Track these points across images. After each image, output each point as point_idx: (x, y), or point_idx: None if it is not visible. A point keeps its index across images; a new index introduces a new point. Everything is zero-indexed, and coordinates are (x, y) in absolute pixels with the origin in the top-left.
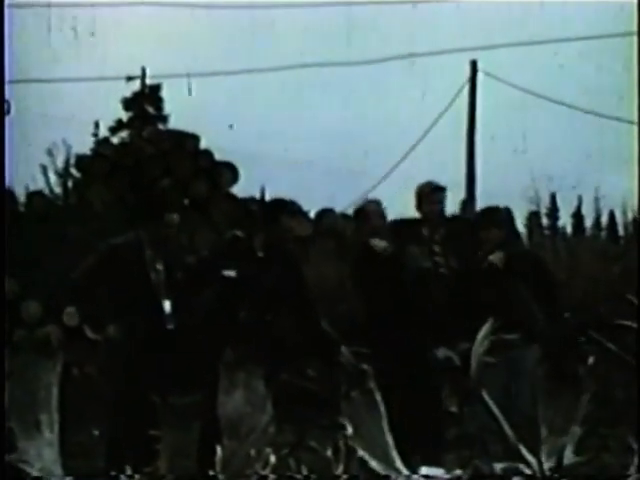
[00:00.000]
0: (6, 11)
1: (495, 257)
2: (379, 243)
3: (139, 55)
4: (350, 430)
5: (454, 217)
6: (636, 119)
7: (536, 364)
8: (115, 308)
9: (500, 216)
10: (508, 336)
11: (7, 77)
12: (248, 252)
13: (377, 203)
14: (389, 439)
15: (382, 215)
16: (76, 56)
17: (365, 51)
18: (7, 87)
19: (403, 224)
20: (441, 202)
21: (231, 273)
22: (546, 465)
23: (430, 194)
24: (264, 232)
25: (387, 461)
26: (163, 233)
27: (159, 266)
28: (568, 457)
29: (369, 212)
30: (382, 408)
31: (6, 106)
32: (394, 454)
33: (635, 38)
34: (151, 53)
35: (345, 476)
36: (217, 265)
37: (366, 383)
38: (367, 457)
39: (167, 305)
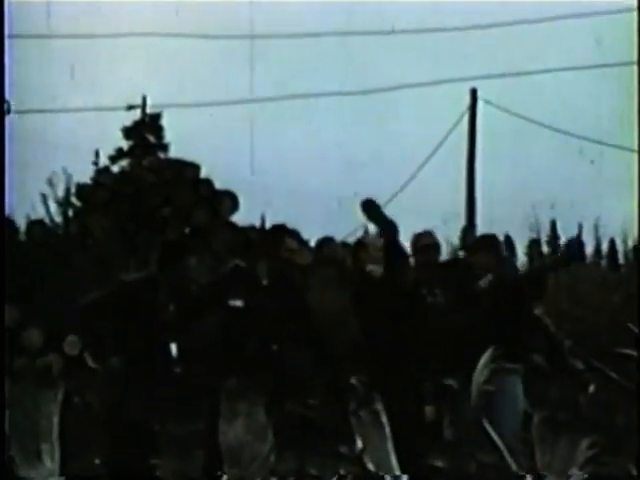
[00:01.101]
0: (6, 41)
1: (483, 281)
2: (376, 269)
3: (139, 84)
4: (360, 445)
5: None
6: (636, 146)
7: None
8: (119, 342)
9: (491, 242)
10: (509, 365)
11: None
12: (252, 281)
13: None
14: (394, 460)
15: (381, 248)
16: (76, 86)
17: (365, 80)
18: (7, 117)
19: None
20: (436, 253)
21: (237, 303)
22: None
23: (424, 249)
24: (268, 259)
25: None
26: (180, 277)
27: (171, 307)
28: None
29: (367, 244)
30: (387, 429)
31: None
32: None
33: (635, 67)
34: (151, 82)
35: None
36: (220, 294)
37: (373, 404)
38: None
39: (174, 348)
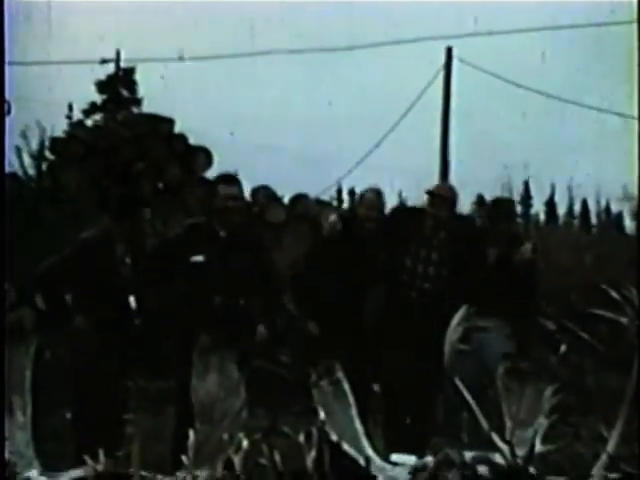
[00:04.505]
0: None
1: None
2: (330, 218)
3: (113, 38)
4: (322, 415)
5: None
6: (636, 113)
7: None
8: (84, 301)
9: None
10: (483, 323)
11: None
12: (210, 236)
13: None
14: (358, 427)
15: (375, 205)
16: (50, 38)
17: (339, 38)
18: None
19: (405, 214)
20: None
21: (199, 258)
22: (518, 453)
23: (441, 197)
24: (211, 207)
25: (358, 448)
26: (134, 228)
27: (128, 260)
28: (537, 446)
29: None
30: (351, 398)
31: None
32: (364, 441)
33: (633, 27)
34: (126, 36)
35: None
36: (181, 253)
37: (334, 374)
38: (340, 441)
39: (132, 301)
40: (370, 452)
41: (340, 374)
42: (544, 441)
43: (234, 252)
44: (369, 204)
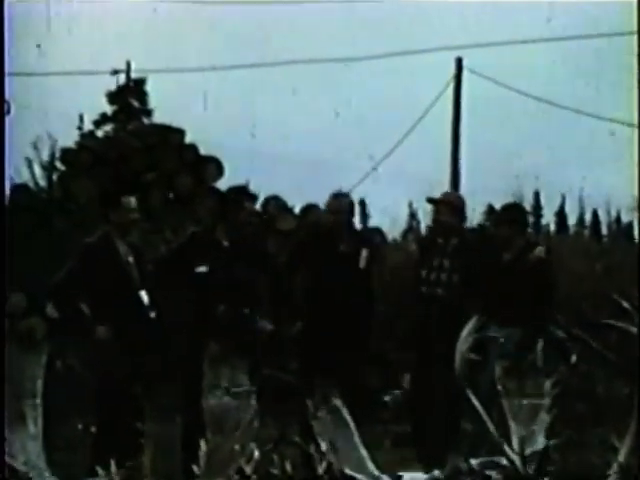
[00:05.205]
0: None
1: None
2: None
3: (124, 49)
4: (324, 447)
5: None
6: (636, 120)
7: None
8: (99, 307)
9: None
10: (493, 333)
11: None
12: (213, 245)
13: (339, 196)
14: (363, 452)
15: (338, 210)
16: (61, 49)
17: (352, 48)
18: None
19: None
20: (461, 214)
21: (203, 269)
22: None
23: (446, 204)
24: (229, 220)
25: (366, 473)
26: (125, 219)
27: (130, 258)
28: (540, 443)
29: (328, 206)
30: (351, 424)
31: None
32: (371, 466)
33: (634, 38)
34: (136, 47)
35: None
36: (185, 262)
37: (331, 401)
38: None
39: (144, 295)
40: (379, 475)
41: (337, 401)
42: (548, 437)
43: (236, 257)
44: (332, 209)
